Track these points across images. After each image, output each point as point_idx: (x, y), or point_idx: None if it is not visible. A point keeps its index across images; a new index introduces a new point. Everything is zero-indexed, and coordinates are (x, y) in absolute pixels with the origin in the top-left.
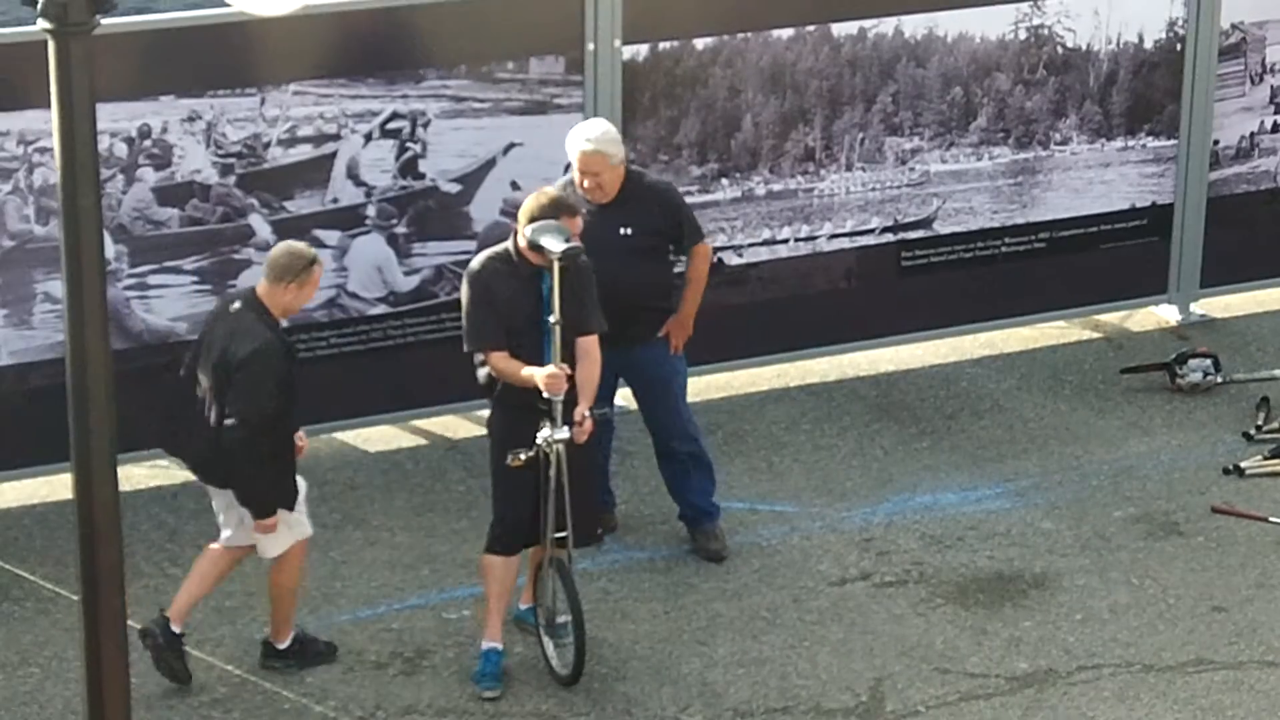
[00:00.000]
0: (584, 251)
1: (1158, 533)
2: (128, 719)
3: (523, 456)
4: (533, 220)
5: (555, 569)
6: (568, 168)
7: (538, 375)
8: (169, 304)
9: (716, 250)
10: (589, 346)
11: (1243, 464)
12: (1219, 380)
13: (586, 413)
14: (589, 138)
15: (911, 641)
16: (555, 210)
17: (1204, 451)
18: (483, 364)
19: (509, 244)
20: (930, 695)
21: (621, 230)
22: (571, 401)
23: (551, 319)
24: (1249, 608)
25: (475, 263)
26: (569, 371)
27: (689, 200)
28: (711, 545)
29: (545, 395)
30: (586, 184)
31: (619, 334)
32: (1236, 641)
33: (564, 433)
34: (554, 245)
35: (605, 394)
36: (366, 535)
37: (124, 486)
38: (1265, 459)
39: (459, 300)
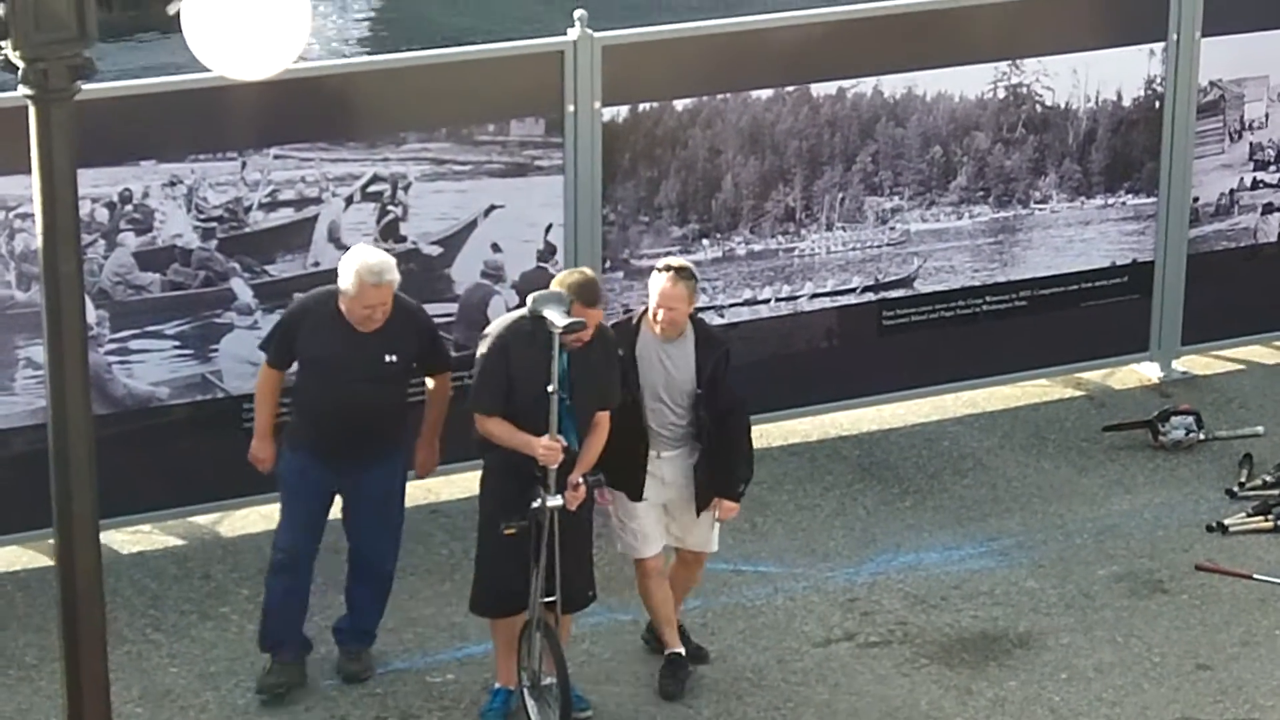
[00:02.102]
0: (585, 327)
1: (1142, 591)
2: None
3: (514, 528)
4: (573, 321)
5: (542, 631)
6: (549, 229)
7: (535, 444)
8: (150, 369)
9: (700, 310)
10: (603, 420)
11: (1226, 521)
12: (1201, 437)
13: (581, 479)
14: (381, 272)
15: (896, 702)
16: (579, 291)
17: (1187, 509)
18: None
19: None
20: None
21: (387, 357)
22: (566, 468)
23: (550, 388)
24: (1234, 665)
25: (496, 325)
26: (563, 444)
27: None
28: (353, 666)
29: (541, 464)
30: (378, 314)
31: (351, 450)
32: (1222, 700)
33: (558, 500)
34: (556, 318)
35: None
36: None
37: (106, 552)
38: (1248, 516)
39: None
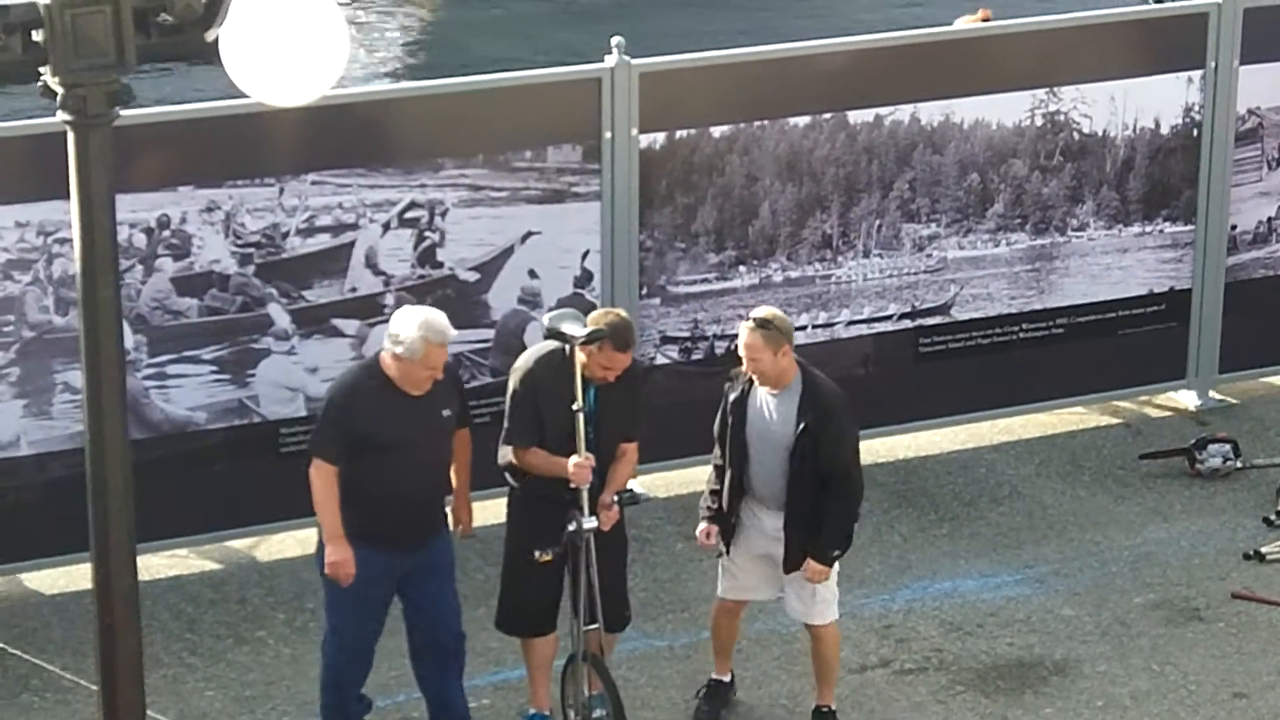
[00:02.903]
0: (605, 336)
1: (1178, 619)
2: None
3: (550, 554)
4: (593, 330)
5: (591, 664)
6: (586, 255)
7: (565, 466)
8: (188, 394)
9: (734, 338)
10: (630, 450)
11: (1263, 549)
12: (1238, 465)
13: (613, 498)
14: (445, 330)
15: None
16: (612, 333)
17: (1224, 537)
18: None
19: (545, 331)
20: None
21: (444, 413)
22: (596, 490)
23: (575, 406)
24: (1270, 694)
25: (526, 358)
26: (593, 463)
27: (707, 288)
28: None
29: (572, 485)
30: (439, 373)
31: (419, 528)
32: None
33: (593, 522)
34: (574, 330)
35: None
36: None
37: (143, 576)
38: None
39: (475, 388)
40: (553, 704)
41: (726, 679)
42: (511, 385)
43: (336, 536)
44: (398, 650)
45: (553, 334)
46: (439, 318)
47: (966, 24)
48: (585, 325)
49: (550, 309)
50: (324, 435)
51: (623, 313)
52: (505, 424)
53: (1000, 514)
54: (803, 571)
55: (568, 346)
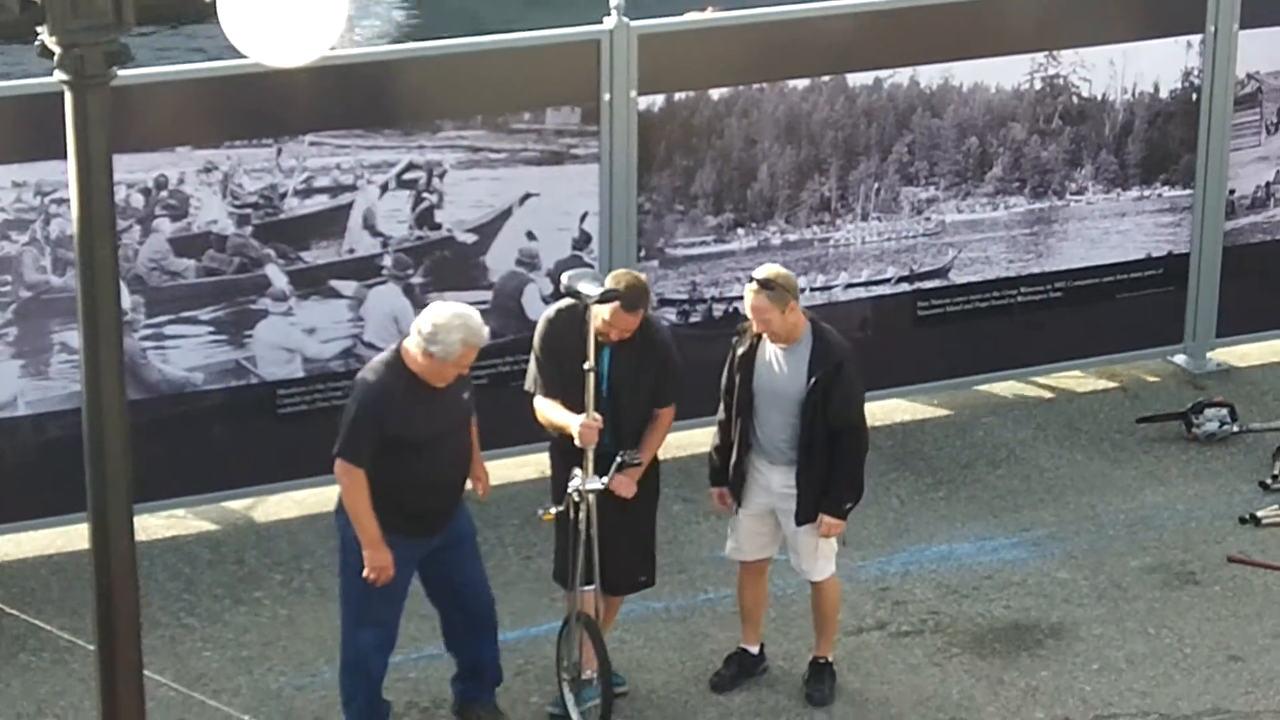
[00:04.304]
0: (620, 297)
1: (1174, 582)
2: None
3: (553, 511)
4: (608, 290)
5: (582, 624)
6: (584, 218)
7: (571, 423)
8: (185, 354)
9: (733, 300)
10: (663, 415)
11: (1259, 513)
12: (1235, 430)
13: (619, 457)
14: (483, 331)
15: (928, 691)
16: (624, 294)
17: (1220, 501)
18: None
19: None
20: None
21: (464, 395)
22: (611, 456)
23: (586, 366)
24: (1265, 657)
25: (549, 311)
26: (600, 424)
27: (705, 250)
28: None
29: (576, 444)
30: (454, 374)
31: (447, 512)
32: (1253, 691)
33: (596, 483)
34: (589, 290)
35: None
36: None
37: (140, 537)
38: None
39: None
40: (548, 664)
41: (754, 650)
42: (535, 337)
43: (377, 541)
44: None
45: (569, 292)
46: (477, 319)
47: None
48: (602, 285)
49: (548, 271)
50: (355, 440)
51: (640, 275)
52: (529, 373)
53: (997, 477)
54: (817, 526)
55: (583, 303)
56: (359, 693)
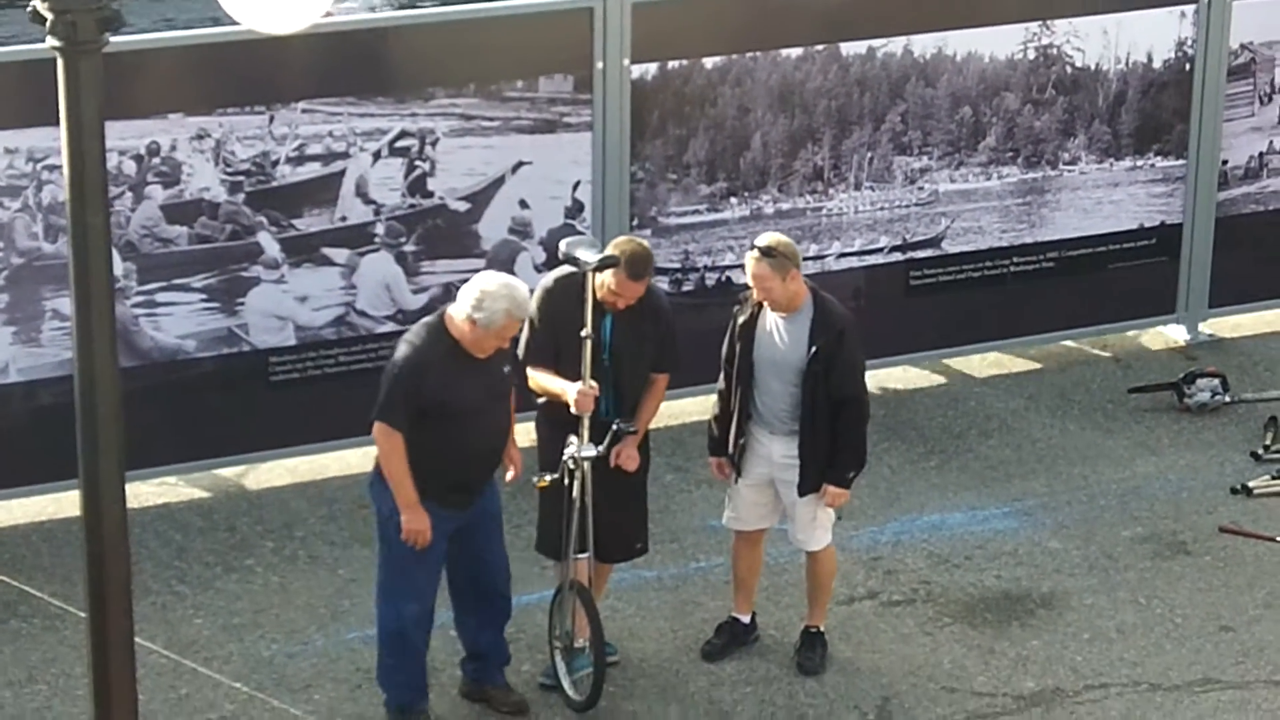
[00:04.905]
0: (617, 263)
1: (1165, 552)
2: None
3: (548, 479)
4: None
5: (575, 592)
6: (577, 186)
7: (568, 391)
8: (177, 322)
9: (726, 269)
10: (659, 382)
11: (1251, 484)
12: (1227, 400)
13: (614, 426)
14: (527, 303)
15: (919, 661)
16: (627, 262)
17: (1212, 471)
18: None
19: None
20: (937, 714)
21: (505, 369)
22: (607, 424)
23: (583, 333)
24: (1256, 627)
25: (547, 279)
26: (596, 392)
27: (698, 219)
28: (514, 698)
29: (573, 411)
30: (495, 345)
31: (483, 483)
32: (1244, 661)
33: (589, 450)
34: (587, 256)
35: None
36: (375, 553)
37: (132, 504)
38: (1273, 479)
39: None
40: (540, 632)
41: (745, 619)
42: (532, 305)
43: (414, 503)
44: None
45: (567, 259)
46: (524, 292)
47: None
48: (600, 252)
49: (541, 240)
50: (393, 403)
51: (644, 242)
52: (522, 341)
53: (989, 447)
54: (820, 495)
55: (582, 269)
56: (402, 667)
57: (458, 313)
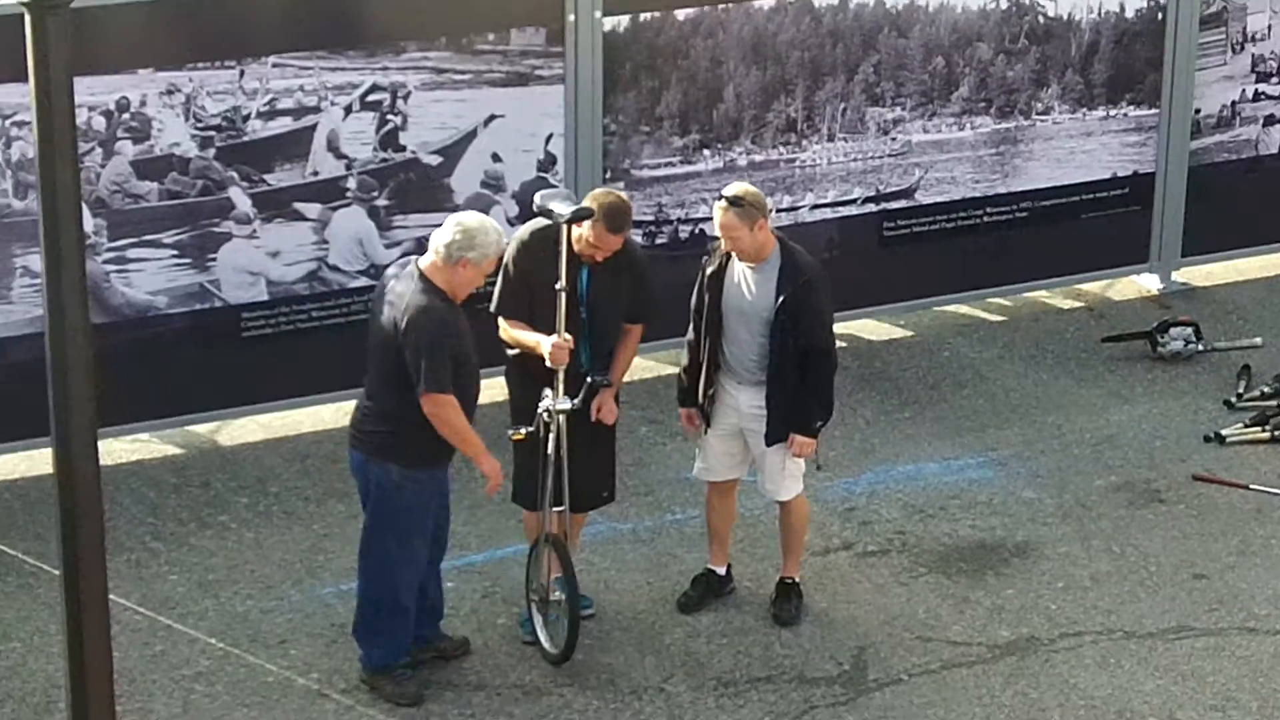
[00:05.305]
0: (591, 215)
1: (1139, 501)
2: (110, 694)
3: (523, 432)
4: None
5: (551, 545)
6: (549, 139)
7: (543, 344)
8: (148, 277)
9: (699, 222)
10: (634, 332)
11: (1224, 432)
12: (1200, 349)
13: (588, 380)
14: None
15: (894, 610)
16: (605, 214)
17: (1185, 420)
18: None
19: (535, 209)
20: (913, 664)
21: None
22: (582, 376)
23: (558, 285)
24: (1229, 575)
25: (522, 231)
26: (571, 344)
27: (671, 172)
28: (459, 638)
29: (548, 365)
30: (480, 280)
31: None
32: (1217, 608)
33: (564, 403)
34: (561, 209)
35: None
36: (349, 508)
37: (105, 461)
38: (1246, 427)
39: None
40: (516, 585)
41: (721, 571)
42: (505, 257)
43: (486, 451)
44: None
45: (542, 212)
46: (491, 220)
47: None
48: (575, 204)
49: (513, 193)
50: (436, 372)
51: (622, 194)
52: (495, 293)
53: (963, 397)
54: (788, 445)
55: (556, 221)
56: (389, 631)
57: (445, 259)
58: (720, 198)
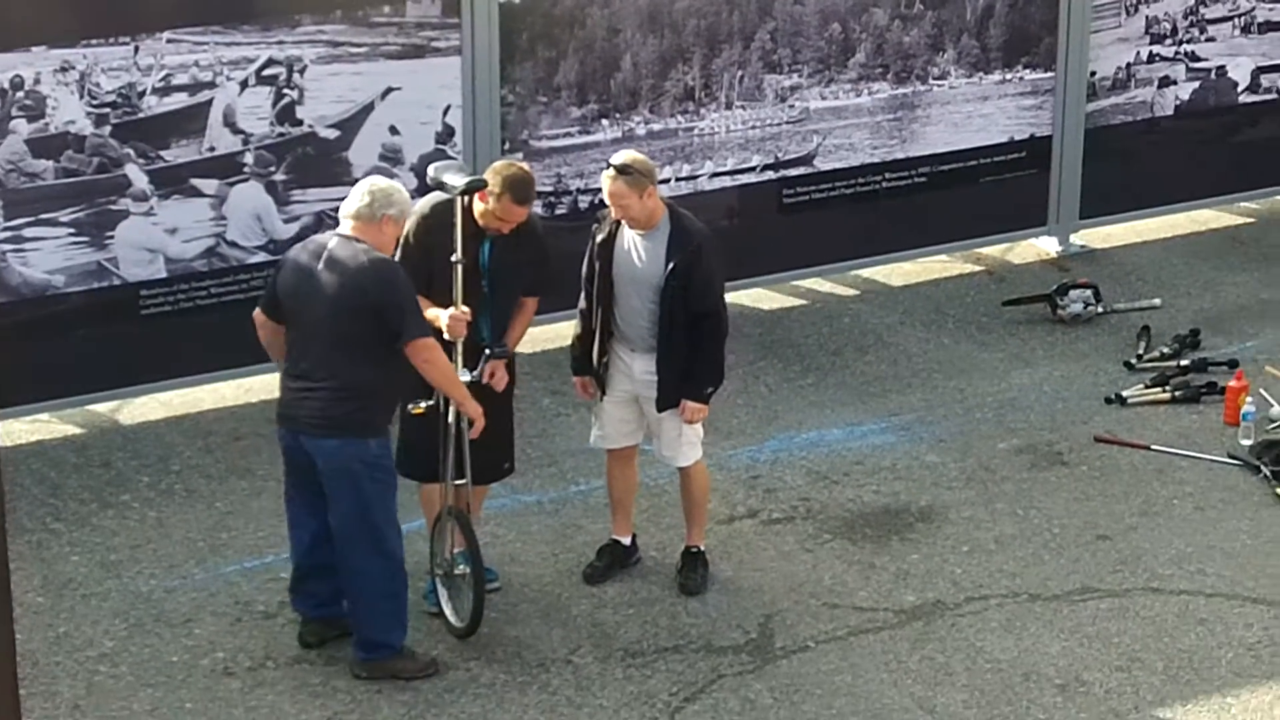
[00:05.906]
0: (482, 186)
1: (1042, 463)
2: (13, 676)
3: (423, 406)
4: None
5: (454, 518)
6: (447, 111)
7: (441, 316)
8: (46, 256)
9: (598, 192)
10: (529, 304)
11: (1124, 393)
12: (1099, 311)
13: (486, 350)
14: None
15: (800, 578)
16: (510, 185)
17: (1086, 382)
18: None
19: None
20: (819, 630)
21: None
22: (480, 349)
23: (453, 258)
24: (1133, 535)
25: (422, 204)
26: (469, 317)
27: (570, 142)
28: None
29: (445, 337)
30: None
31: None
32: (1121, 569)
33: (465, 375)
34: (454, 180)
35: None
36: (252, 485)
37: (4, 442)
38: (1146, 388)
39: None
40: (420, 560)
41: (626, 540)
42: (404, 230)
43: (469, 396)
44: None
45: (436, 184)
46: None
47: None
48: (468, 175)
49: (412, 166)
50: (420, 314)
51: (525, 165)
52: None
53: (865, 363)
54: (680, 412)
55: (450, 193)
56: (397, 611)
57: (369, 219)
58: (609, 166)
